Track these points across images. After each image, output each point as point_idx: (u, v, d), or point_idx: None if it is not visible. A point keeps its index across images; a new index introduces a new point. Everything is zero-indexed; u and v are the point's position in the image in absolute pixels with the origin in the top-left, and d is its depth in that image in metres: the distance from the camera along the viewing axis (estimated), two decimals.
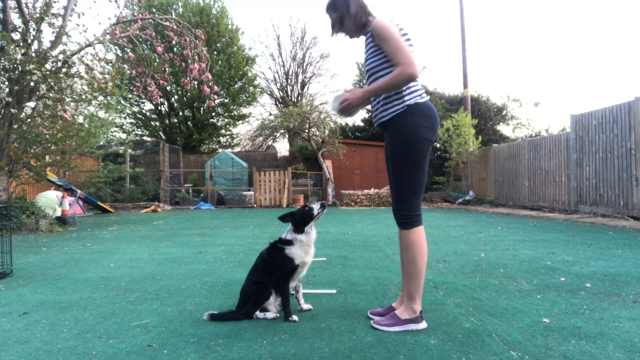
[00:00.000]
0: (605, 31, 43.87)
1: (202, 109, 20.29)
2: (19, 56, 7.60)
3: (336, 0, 2.55)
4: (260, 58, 27.72)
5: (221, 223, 9.09)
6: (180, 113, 20.68)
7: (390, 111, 2.41)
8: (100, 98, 9.23)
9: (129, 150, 17.10)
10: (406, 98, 2.38)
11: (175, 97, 20.30)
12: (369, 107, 21.21)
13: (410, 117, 2.36)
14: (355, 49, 46.31)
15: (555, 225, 7.74)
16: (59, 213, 8.93)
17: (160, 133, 20.29)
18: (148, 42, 15.75)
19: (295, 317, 2.54)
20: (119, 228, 8.29)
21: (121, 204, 14.50)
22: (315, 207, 2.65)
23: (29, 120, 8.35)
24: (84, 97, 8.59)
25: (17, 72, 7.73)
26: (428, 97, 2.48)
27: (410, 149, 2.36)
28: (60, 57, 8.31)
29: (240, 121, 22.48)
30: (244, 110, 22.41)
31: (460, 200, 14.44)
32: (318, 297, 3.05)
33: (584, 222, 8.01)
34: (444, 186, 16.68)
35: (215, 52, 19.81)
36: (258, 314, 2.58)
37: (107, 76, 9.44)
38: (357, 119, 21.93)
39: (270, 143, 23.11)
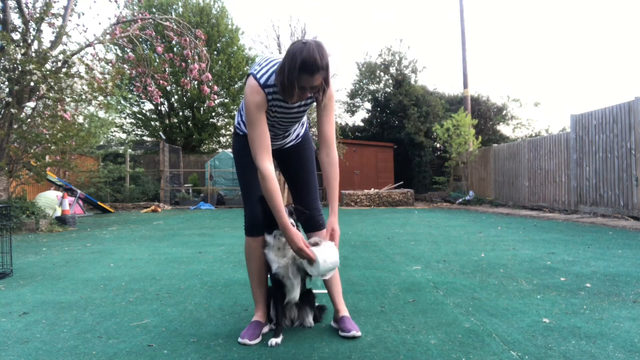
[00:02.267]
0: (605, 31, 43.89)
1: (202, 109, 20.29)
2: (19, 56, 7.60)
3: (327, 55, 2.09)
4: (260, 58, 27.67)
5: (221, 223, 9.09)
6: (180, 113, 20.69)
7: (304, 128, 2.62)
8: (100, 98, 9.23)
9: (129, 150, 17.10)
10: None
11: (175, 97, 20.29)
12: (369, 107, 21.28)
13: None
14: (355, 48, 46.37)
15: (555, 225, 7.74)
16: (59, 213, 8.93)
17: (160, 133, 20.29)
18: (148, 42, 15.74)
19: (273, 341, 2.20)
20: (119, 228, 8.29)
21: (121, 204, 14.50)
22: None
23: (29, 120, 8.35)
24: (84, 97, 8.59)
25: (17, 72, 7.73)
26: None
27: (314, 155, 2.60)
28: (60, 57, 8.31)
29: None
30: None
31: (460, 200, 14.45)
32: (318, 297, 3.05)
33: (584, 222, 8.01)
34: (444, 186, 16.68)
35: (215, 52, 19.81)
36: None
37: (107, 76, 9.45)
38: (357, 119, 21.96)
39: None
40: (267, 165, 2.14)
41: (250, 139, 2.19)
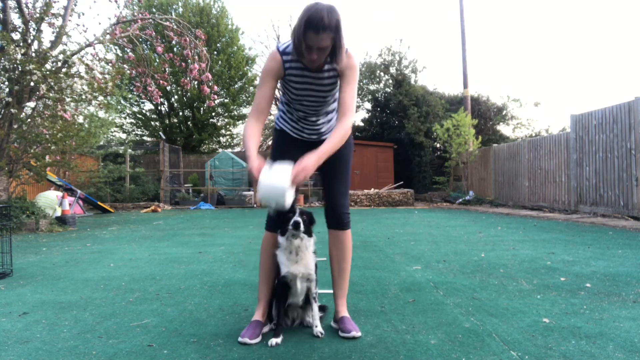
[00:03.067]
0: (605, 31, 43.89)
1: (202, 109, 20.29)
2: (19, 56, 7.60)
3: (337, 16, 2.07)
4: (260, 58, 27.69)
5: (221, 223, 9.09)
6: (180, 113, 20.68)
7: None
8: (100, 98, 9.23)
9: (129, 150, 17.10)
10: None
11: (175, 97, 20.29)
12: (369, 107, 21.30)
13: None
14: (355, 48, 46.25)
15: (555, 225, 7.74)
16: (59, 213, 8.93)
17: (160, 133, 20.29)
18: (148, 42, 15.75)
19: (273, 341, 2.21)
20: (119, 228, 8.29)
21: (121, 204, 14.50)
22: (295, 220, 2.18)
23: (29, 120, 8.35)
24: (84, 97, 8.59)
25: (17, 72, 7.73)
26: None
27: (352, 152, 2.58)
28: (60, 57, 8.31)
29: (240, 121, 22.48)
30: (244, 110, 22.44)
31: (460, 200, 14.45)
32: (320, 296, 3.04)
33: (584, 222, 8.01)
34: (444, 186, 16.68)
35: (215, 52, 19.80)
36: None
37: (107, 76, 9.45)
38: (358, 119, 21.93)
39: (270, 143, 23.09)
40: (252, 120, 2.29)
41: (254, 100, 2.33)
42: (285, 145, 2.50)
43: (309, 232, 2.28)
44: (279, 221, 2.28)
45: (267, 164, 2.06)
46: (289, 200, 1.97)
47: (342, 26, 2.08)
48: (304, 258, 2.29)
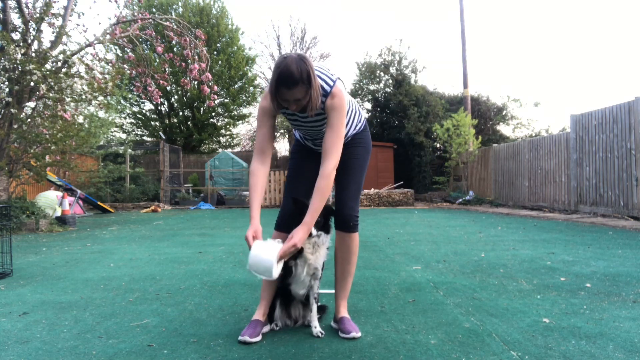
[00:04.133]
0: (605, 31, 43.89)
1: (202, 109, 20.28)
2: (19, 56, 7.59)
3: (307, 67, 2.08)
4: (260, 58, 27.70)
5: (221, 223, 9.09)
6: (180, 113, 20.68)
7: (362, 124, 2.59)
8: (100, 98, 9.22)
9: (129, 150, 17.10)
10: (363, 116, 2.63)
11: (175, 97, 20.29)
12: (369, 106, 21.31)
13: (368, 131, 2.65)
14: (355, 49, 46.33)
15: (555, 225, 7.74)
16: (59, 213, 8.93)
17: (160, 133, 20.29)
18: (148, 42, 15.73)
19: (274, 326, 2.43)
20: (119, 228, 8.29)
21: (121, 204, 14.50)
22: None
23: (29, 120, 8.35)
24: (84, 97, 8.59)
25: (17, 72, 7.72)
26: None
27: (368, 157, 2.59)
28: (60, 57, 8.30)
29: (240, 121, 22.48)
30: (244, 110, 22.45)
31: (460, 200, 14.45)
32: (320, 296, 3.04)
33: (584, 222, 8.01)
34: (444, 186, 16.68)
35: (215, 52, 19.80)
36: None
37: (107, 76, 9.44)
38: None
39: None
40: (256, 164, 2.34)
41: (255, 141, 2.38)
42: (299, 153, 2.62)
43: (326, 229, 2.35)
44: (294, 223, 2.27)
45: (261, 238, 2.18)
46: (275, 273, 2.07)
47: (313, 76, 2.08)
48: (314, 252, 2.34)
